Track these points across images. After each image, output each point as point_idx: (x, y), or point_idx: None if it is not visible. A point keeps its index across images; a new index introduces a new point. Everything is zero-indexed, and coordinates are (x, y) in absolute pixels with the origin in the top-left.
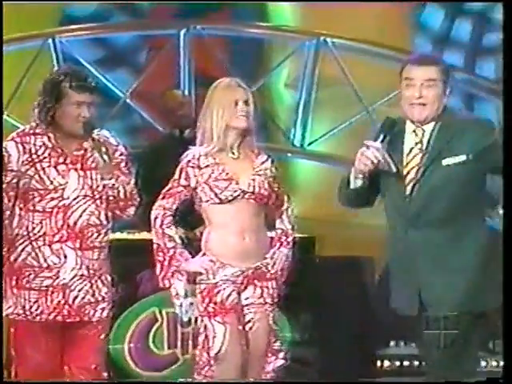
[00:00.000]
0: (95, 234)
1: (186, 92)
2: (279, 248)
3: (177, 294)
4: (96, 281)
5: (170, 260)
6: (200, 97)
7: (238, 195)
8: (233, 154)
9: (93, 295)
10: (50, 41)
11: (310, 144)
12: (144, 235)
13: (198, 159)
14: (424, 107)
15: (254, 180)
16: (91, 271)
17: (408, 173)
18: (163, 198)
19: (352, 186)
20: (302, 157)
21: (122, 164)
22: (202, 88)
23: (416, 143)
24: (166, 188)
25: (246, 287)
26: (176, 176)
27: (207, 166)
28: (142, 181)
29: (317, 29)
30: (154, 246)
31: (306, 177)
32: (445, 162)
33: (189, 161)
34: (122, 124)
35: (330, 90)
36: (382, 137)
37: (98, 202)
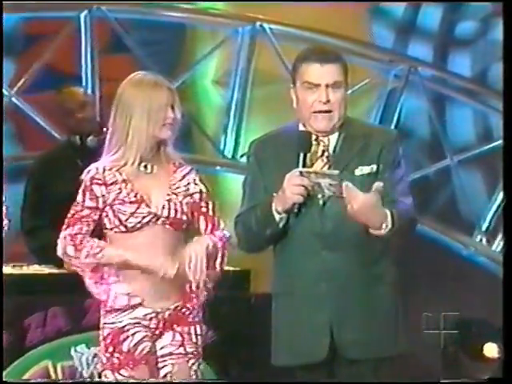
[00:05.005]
0: None
1: (89, 89)
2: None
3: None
4: None
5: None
6: (106, 95)
7: (149, 221)
8: (145, 167)
9: None
10: None
11: (243, 155)
12: (34, 269)
13: (103, 174)
14: (331, 115)
15: (169, 201)
16: None
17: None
18: (67, 226)
19: (280, 225)
20: (234, 170)
21: None
22: (108, 85)
23: (320, 154)
24: (69, 214)
25: (161, 333)
26: (79, 198)
27: (113, 182)
28: (33, 200)
29: (252, 13)
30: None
31: (239, 195)
32: (357, 171)
33: (93, 177)
34: (6, 128)
35: (268, 87)
36: (302, 156)
37: None
